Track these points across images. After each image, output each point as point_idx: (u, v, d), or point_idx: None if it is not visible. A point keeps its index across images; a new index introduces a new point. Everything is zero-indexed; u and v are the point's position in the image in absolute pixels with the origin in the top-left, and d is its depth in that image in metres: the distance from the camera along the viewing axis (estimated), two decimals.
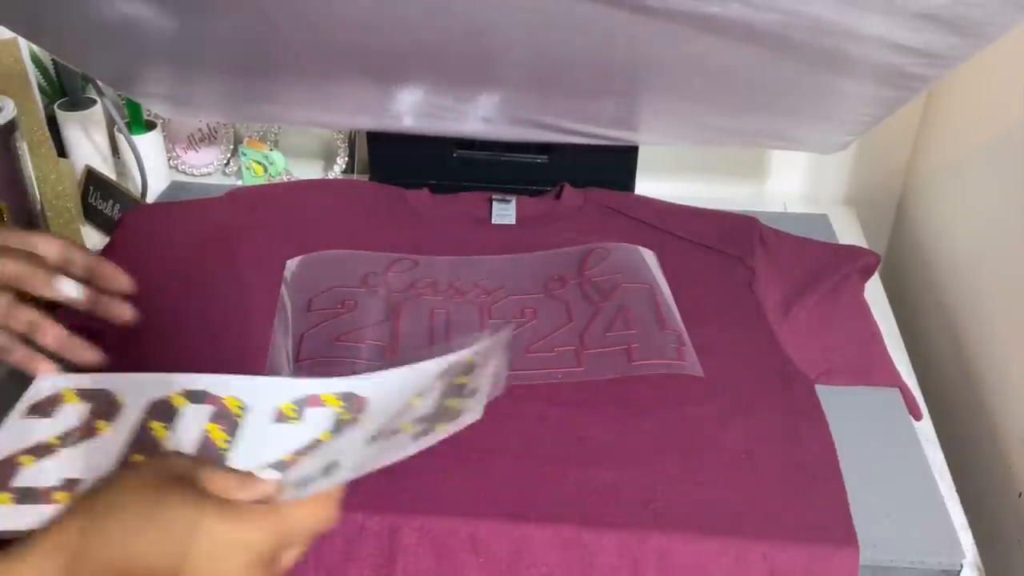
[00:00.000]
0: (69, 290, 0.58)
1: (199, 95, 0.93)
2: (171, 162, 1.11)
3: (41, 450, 0.54)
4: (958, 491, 0.67)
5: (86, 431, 0.56)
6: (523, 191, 0.97)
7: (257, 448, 0.48)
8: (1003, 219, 0.81)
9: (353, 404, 0.57)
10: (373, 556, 0.58)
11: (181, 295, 0.79)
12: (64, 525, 0.41)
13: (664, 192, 0.97)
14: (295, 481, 0.44)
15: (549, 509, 0.59)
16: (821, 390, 0.71)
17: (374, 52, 0.77)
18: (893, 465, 0.66)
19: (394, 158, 1.00)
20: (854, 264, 0.85)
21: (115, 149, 1.07)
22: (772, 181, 1.11)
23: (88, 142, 1.02)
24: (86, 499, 0.42)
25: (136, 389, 0.59)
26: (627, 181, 1.00)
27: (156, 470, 0.43)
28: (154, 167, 1.03)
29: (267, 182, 1.05)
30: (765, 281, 0.84)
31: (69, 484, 0.52)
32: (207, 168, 1.11)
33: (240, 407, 0.57)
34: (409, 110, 0.90)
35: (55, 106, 1.01)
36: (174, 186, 1.06)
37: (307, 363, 0.71)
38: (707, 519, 0.59)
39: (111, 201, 0.99)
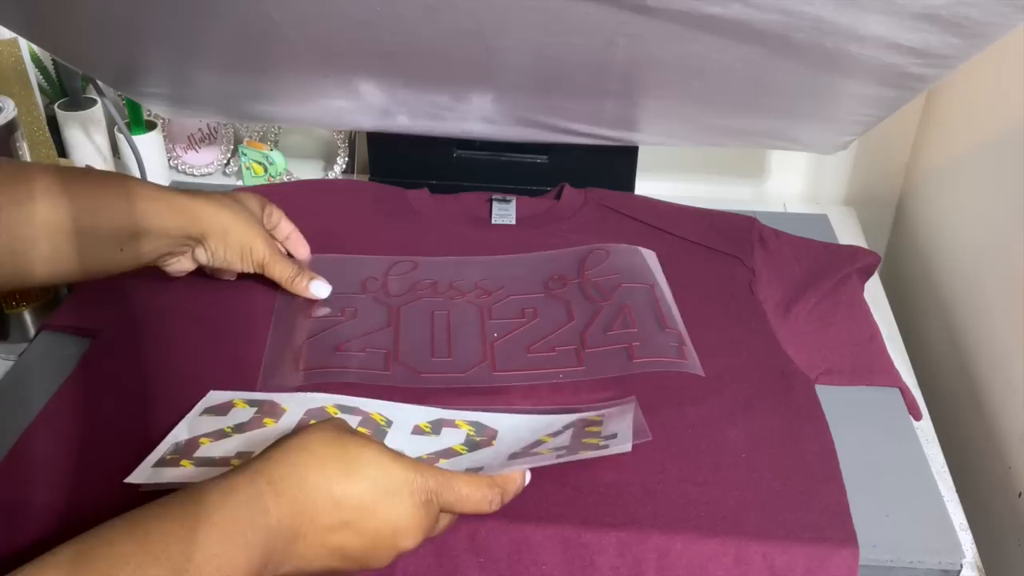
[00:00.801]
0: (321, 292, 0.79)
1: (199, 95, 0.93)
2: (171, 162, 1.11)
3: (217, 435, 0.61)
4: (958, 491, 0.67)
5: (255, 424, 0.62)
6: (523, 191, 0.97)
7: (400, 449, 0.52)
8: (1003, 219, 0.81)
9: (484, 432, 0.63)
10: None
11: (180, 296, 0.79)
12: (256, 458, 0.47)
13: (664, 192, 0.97)
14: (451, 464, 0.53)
15: (549, 509, 0.59)
16: (821, 390, 0.71)
17: (374, 52, 0.77)
18: (893, 465, 0.66)
19: (394, 158, 1.00)
20: (854, 264, 0.85)
21: (115, 149, 1.07)
22: (772, 181, 1.11)
23: (88, 142, 1.02)
24: (273, 447, 0.47)
25: (296, 401, 0.65)
26: (627, 181, 1.00)
27: (335, 425, 0.50)
28: (154, 167, 1.03)
29: (267, 182, 1.05)
30: (765, 281, 0.84)
31: (243, 455, 0.58)
32: (207, 168, 1.11)
33: (384, 420, 0.64)
34: (409, 110, 0.90)
35: (55, 106, 1.01)
36: (174, 186, 1.06)
37: (311, 372, 0.70)
38: (707, 519, 0.59)
39: None
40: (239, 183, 1.08)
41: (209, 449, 0.59)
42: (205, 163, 1.11)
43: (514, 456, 0.57)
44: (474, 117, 0.90)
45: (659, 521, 0.58)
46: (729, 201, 0.99)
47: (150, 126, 1.05)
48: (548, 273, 0.84)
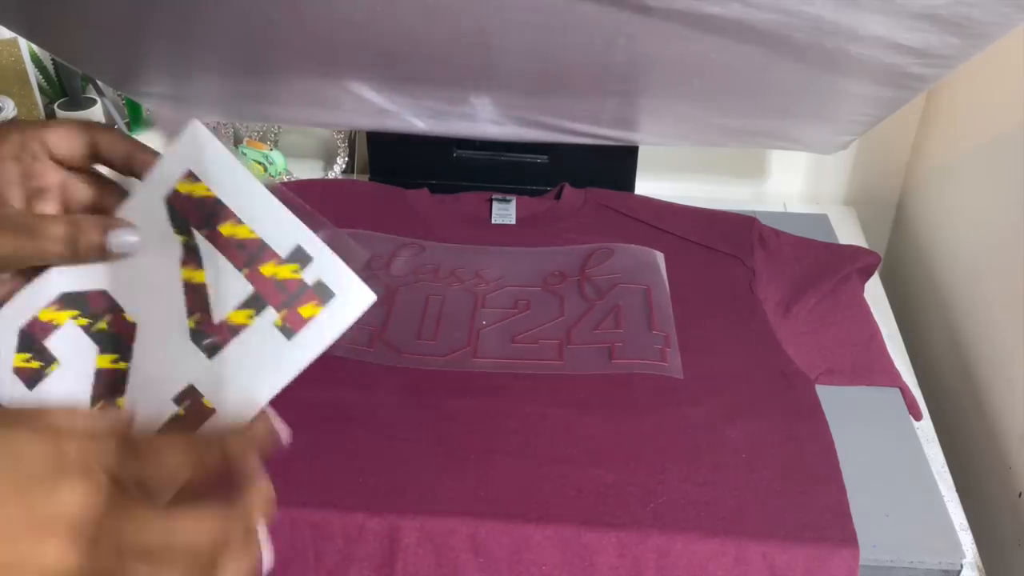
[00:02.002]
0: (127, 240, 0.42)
1: (199, 95, 0.93)
2: None
3: None
4: (958, 491, 0.67)
5: None
6: (523, 191, 0.97)
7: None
8: (1003, 219, 0.81)
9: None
10: (373, 556, 0.58)
11: None
12: None
13: (664, 192, 0.97)
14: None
15: (549, 509, 0.59)
16: (821, 390, 0.71)
17: (374, 52, 0.77)
18: (893, 465, 0.66)
19: (394, 158, 1.00)
20: (854, 264, 0.85)
21: None
22: (772, 181, 1.11)
23: None
24: None
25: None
26: (627, 181, 1.00)
27: None
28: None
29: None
30: (765, 281, 0.84)
31: None
32: None
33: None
34: (409, 110, 0.90)
35: (55, 106, 1.01)
36: None
37: None
38: (707, 519, 0.59)
39: None
40: None
41: None
42: None
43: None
44: (474, 117, 0.90)
45: (659, 521, 0.58)
46: (729, 201, 0.99)
47: (150, 125, 1.05)
48: (550, 268, 0.84)
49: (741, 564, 0.57)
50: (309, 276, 0.41)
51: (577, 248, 0.87)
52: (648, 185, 1.00)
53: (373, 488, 0.61)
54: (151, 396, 0.40)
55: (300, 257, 0.41)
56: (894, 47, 0.63)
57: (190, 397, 0.40)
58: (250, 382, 0.40)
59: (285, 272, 0.40)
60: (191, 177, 0.41)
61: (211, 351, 0.40)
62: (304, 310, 0.40)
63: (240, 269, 0.40)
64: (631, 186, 1.00)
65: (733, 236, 0.89)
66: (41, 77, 1.06)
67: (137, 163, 0.43)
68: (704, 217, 0.92)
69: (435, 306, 0.79)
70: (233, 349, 0.40)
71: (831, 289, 0.82)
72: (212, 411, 0.40)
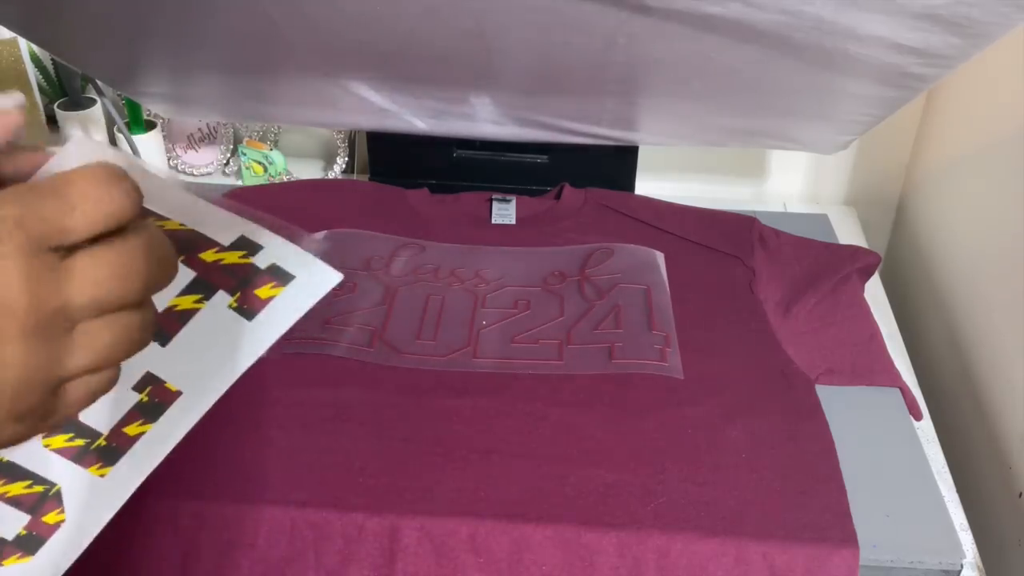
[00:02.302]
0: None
1: (199, 95, 0.93)
2: (171, 162, 1.11)
3: None
4: (958, 491, 0.67)
5: None
6: (523, 191, 0.97)
7: None
8: (1003, 219, 0.81)
9: None
10: (373, 556, 0.58)
11: None
12: None
13: (664, 192, 0.97)
14: None
15: (549, 509, 0.59)
16: (821, 390, 0.71)
17: (374, 52, 0.77)
18: (893, 465, 0.66)
19: (394, 158, 1.00)
20: (854, 264, 0.85)
21: None
22: (772, 181, 1.11)
23: None
24: None
25: None
26: (627, 181, 1.00)
27: None
28: (154, 167, 1.03)
29: (267, 182, 1.05)
30: (765, 281, 0.84)
31: None
32: (207, 168, 1.11)
33: None
34: (409, 110, 0.90)
35: (55, 106, 1.01)
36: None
37: (295, 342, 0.73)
38: (707, 519, 0.59)
39: None
40: (239, 183, 1.08)
41: None
42: (205, 163, 1.11)
43: None
44: (474, 117, 0.90)
45: (659, 521, 0.58)
46: (729, 201, 0.99)
47: (149, 126, 1.05)
48: (550, 268, 0.84)
49: (741, 564, 0.57)
50: (261, 261, 0.37)
51: (577, 248, 0.87)
52: (648, 185, 1.00)
53: (373, 488, 0.61)
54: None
55: (245, 245, 0.37)
56: (894, 47, 0.63)
57: (151, 383, 0.38)
58: (213, 363, 0.38)
59: (231, 258, 0.37)
60: None
61: (162, 339, 0.38)
62: (261, 292, 0.37)
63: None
64: (631, 186, 1.00)
65: (733, 236, 0.89)
66: (41, 77, 1.06)
67: (22, 164, 0.33)
68: (704, 217, 0.92)
69: (435, 306, 0.79)
70: (186, 334, 0.38)
71: (831, 289, 0.82)
72: (178, 393, 0.38)
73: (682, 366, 0.72)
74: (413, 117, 0.91)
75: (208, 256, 0.37)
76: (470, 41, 0.72)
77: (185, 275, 0.37)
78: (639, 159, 0.98)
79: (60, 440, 0.38)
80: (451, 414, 0.67)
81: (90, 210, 0.27)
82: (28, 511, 0.39)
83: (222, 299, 0.37)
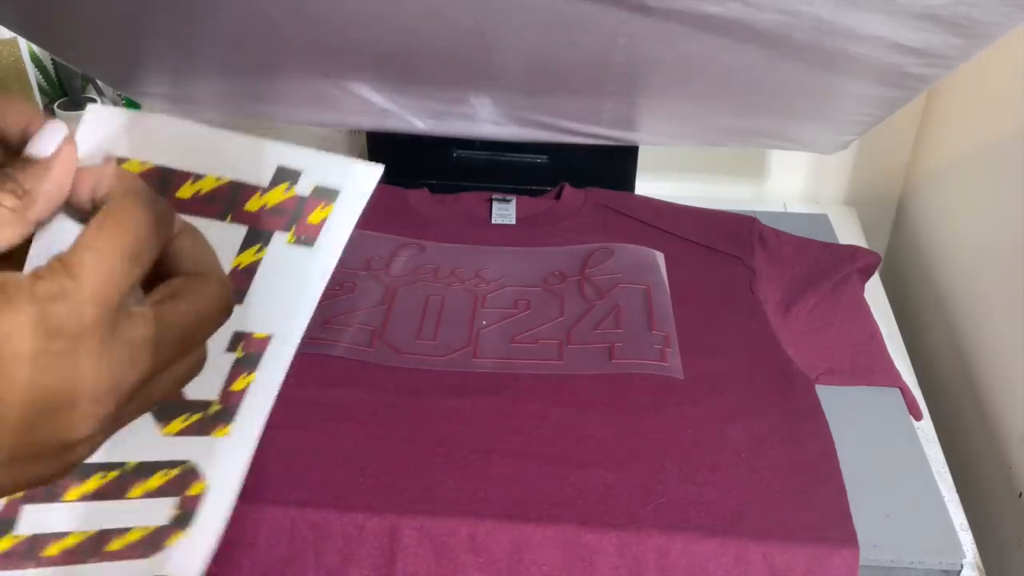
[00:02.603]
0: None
1: (199, 95, 0.93)
2: None
3: None
4: (958, 491, 0.67)
5: None
6: (523, 191, 0.97)
7: None
8: (1003, 219, 0.81)
9: None
10: (373, 556, 0.58)
11: None
12: None
13: (664, 192, 0.97)
14: None
15: (549, 509, 0.59)
16: (821, 390, 0.71)
17: (374, 52, 0.77)
18: (893, 465, 0.66)
19: (394, 158, 0.99)
20: (854, 264, 0.85)
21: None
22: (772, 181, 1.11)
23: None
24: None
25: None
26: (627, 181, 1.00)
27: None
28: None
29: None
30: (765, 281, 0.84)
31: None
32: None
33: None
34: (409, 110, 0.90)
35: (55, 106, 1.01)
36: None
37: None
38: (707, 519, 0.59)
39: None
40: None
41: None
42: None
43: None
44: (474, 117, 0.90)
45: (659, 521, 0.58)
46: (729, 201, 0.99)
47: None
48: (550, 268, 0.84)
49: (741, 564, 0.57)
50: (304, 188, 0.37)
51: (577, 248, 0.87)
52: (648, 185, 1.00)
53: (373, 488, 0.61)
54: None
55: (285, 176, 0.37)
56: (894, 47, 0.63)
57: (241, 339, 0.39)
58: (291, 298, 0.39)
59: (275, 197, 0.37)
60: (117, 162, 0.35)
61: (238, 298, 0.38)
62: (313, 217, 0.37)
63: (221, 219, 0.36)
64: (631, 186, 1.00)
65: (733, 236, 0.89)
66: (41, 77, 1.06)
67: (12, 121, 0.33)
68: (704, 217, 0.92)
69: (435, 306, 0.79)
70: (258, 284, 0.38)
71: (831, 289, 0.82)
72: (268, 337, 0.39)
73: (682, 366, 0.72)
74: (413, 117, 0.91)
75: (254, 204, 0.36)
76: (470, 41, 0.72)
77: (238, 232, 0.37)
78: (639, 159, 0.98)
79: (177, 424, 0.39)
80: (451, 414, 0.67)
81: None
82: (173, 494, 0.41)
83: (279, 240, 0.37)
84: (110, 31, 0.76)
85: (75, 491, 0.39)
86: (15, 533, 0.38)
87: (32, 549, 0.39)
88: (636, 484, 0.61)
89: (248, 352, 0.39)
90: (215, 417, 0.40)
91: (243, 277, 0.38)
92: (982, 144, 0.89)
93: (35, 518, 0.39)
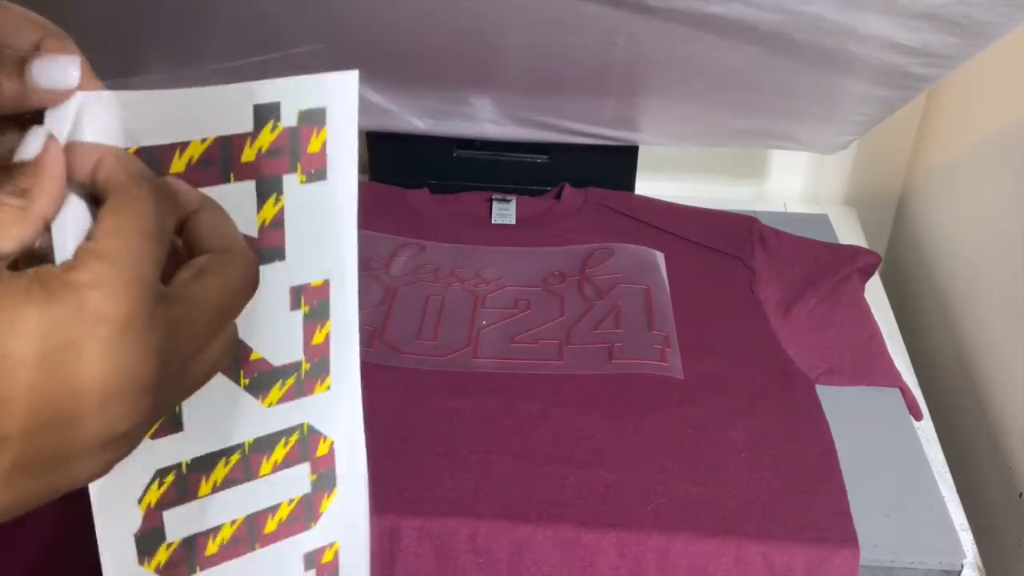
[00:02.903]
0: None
1: None
2: None
3: None
4: (958, 491, 0.67)
5: None
6: (523, 191, 0.97)
7: None
8: (1003, 219, 0.81)
9: None
10: (373, 556, 0.58)
11: None
12: None
13: (664, 192, 0.97)
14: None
15: (549, 509, 0.59)
16: (821, 390, 0.71)
17: (374, 52, 0.77)
18: (893, 465, 0.66)
19: (394, 158, 1.00)
20: (854, 264, 0.85)
21: None
22: (772, 181, 1.11)
23: None
24: None
25: None
26: (627, 181, 1.00)
27: None
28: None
29: None
30: (765, 281, 0.84)
31: None
32: None
33: None
34: (410, 110, 0.90)
35: None
36: None
37: None
38: (707, 519, 0.59)
39: None
40: None
41: None
42: None
43: None
44: (474, 117, 0.90)
45: (659, 521, 0.58)
46: (729, 201, 0.99)
47: None
48: (550, 268, 0.84)
49: (741, 564, 0.57)
50: (288, 118, 0.36)
51: (577, 248, 0.87)
52: (648, 185, 1.00)
53: (373, 488, 0.61)
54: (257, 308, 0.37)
55: (265, 112, 0.35)
56: (894, 47, 0.63)
57: (300, 293, 0.38)
58: (330, 237, 0.37)
59: (265, 139, 0.35)
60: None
61: (279, 256, 0.37)
62: (312, 146, 0.36)
63: (226, 182, 0.34)
64: (631, 186, 1.00)
65: (733, 236, 0.89)
66: None
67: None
68: (704, 217, 0.92)
69: (435, 306, 0.79)
70: (291, 234, 0.37)
71: (831, 289, 0.82)
72: (326, 283, 0.38)
73: (682, 366, 0.72)
74: (413, 117, 0.91)
75: (249, 154, 0.35)
76: (470, 41, 0.72)
77: (247, 189, 0.35)
78: (639, 159, 0.98)
79: (276, 393, 0.39)
80: (451, 414, 0.67)
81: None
82: (303, 460, 0.40)
83: (291, 183, 0.36)
84: (109, 31, 0.76)
85: (206, 485, 0.38)
86: (168, 541, 0.38)
87: (191, 553, 0.38)
88: (636, 484, 0.61)
89: (312, 304, 0.38)
90: (310, 375, 0.39)
91: (274, 233, 0.36)
92: (982, 144, 0.89)
93: (179, 521, 0.38)
